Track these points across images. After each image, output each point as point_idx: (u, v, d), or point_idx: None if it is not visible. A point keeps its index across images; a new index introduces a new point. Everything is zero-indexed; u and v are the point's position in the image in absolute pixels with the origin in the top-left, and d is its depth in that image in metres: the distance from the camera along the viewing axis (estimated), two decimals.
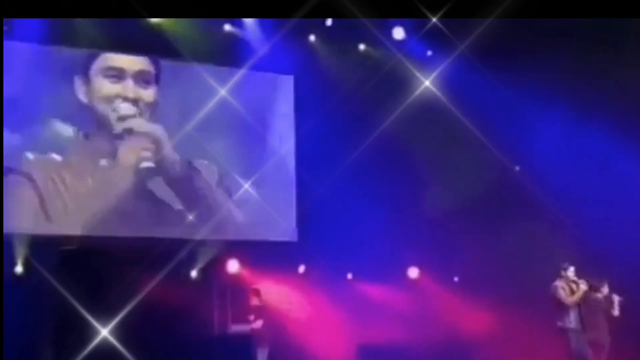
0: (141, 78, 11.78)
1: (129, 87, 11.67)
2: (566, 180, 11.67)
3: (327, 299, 12.52)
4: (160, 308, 10.81)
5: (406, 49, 12.76)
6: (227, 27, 12.24)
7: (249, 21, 12.24)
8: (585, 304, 10.40)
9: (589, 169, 11.68)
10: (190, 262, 11.87)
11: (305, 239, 12.56)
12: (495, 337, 11.99)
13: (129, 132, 11.64)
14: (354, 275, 12.92)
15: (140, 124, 11.71)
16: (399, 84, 12.45)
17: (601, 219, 11.37)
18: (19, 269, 10.66)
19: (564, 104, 11.75)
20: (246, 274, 12.21)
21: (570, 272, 10.45)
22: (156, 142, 11.78)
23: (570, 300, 10.33)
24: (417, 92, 12.38)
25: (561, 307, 10.34)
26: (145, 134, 11.75)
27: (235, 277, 12.17)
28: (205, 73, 12.02)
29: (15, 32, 10.64)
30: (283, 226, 12.59)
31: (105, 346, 10.36)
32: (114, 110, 11.52)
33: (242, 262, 12.19)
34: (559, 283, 10.40)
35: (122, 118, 11.57)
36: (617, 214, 11.35)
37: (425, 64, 12.70)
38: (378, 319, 12.45)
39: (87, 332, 10.58)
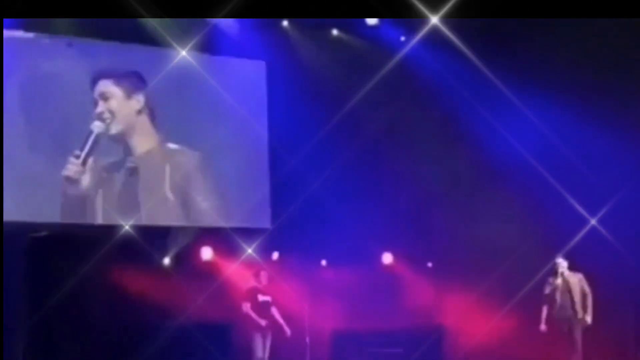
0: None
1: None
2: (541, 170, 11.67)
3: (301, 286, 12.52)
4: (132, 295, 10.78)
5: (379, 34, 12.71)
6: None
7: None
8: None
9: (564, 159, 11.67)
10: (163, 249, 11.83)
11: (279, 225, 12.51)
12: (469, 321, 12.05)
13: None
14: (328, 262, 12.90)
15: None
16: (373, 69, 12.38)
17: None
18: None
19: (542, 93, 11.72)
20: (219, 261, 12.17)
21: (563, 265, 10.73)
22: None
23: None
24: (390, 76, 12.32)
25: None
26: None
27: (208, 265, 12.12)
28: (176, 58, 11.96)
29: None
30: (257, 213, 12.53)
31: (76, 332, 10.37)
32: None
33: (216, 249, 12.14)
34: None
35: None
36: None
37: (399, 49, 12.64)
38: (352, 304, 12.48)
39: (58, 321, 10.59)
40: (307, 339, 12.39)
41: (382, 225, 12.63)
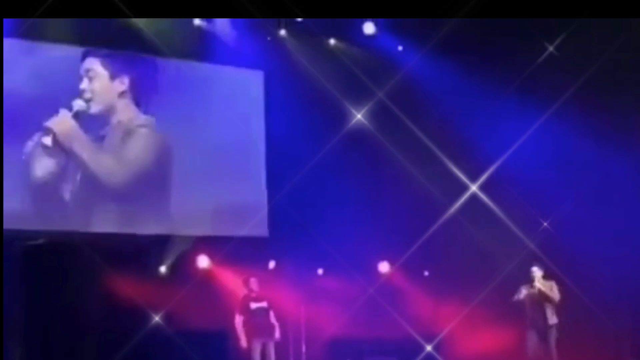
0: None
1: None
2: (538, 178, 11.72)
3: (298, 294, 12.53)
4: (128, 304, 10.77)
5: (377, 43, 12.78)
6: (196, 21, 12.16)
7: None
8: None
9: (564, 167, 11.71)
10: (159, 258, 11.83)
11: (276, 234, 12.53)
12: (465, 330, 12.05)
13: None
14: (324, 271, 12.91)
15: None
16: (370, 79, 12.44)
17: (574, 219, 11.45)
18: None
19: (538, 101, 11.77)
20: (216, 269, 12.17)
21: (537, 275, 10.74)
22: None
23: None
24: (389, 87, 12.42)
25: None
26: None
27: (205, 273, 12.11)
28: (173, 67, 12.01)
29: None
30: (254, 221, 12.54)
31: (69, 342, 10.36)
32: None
33: (212, 257, 12.14)
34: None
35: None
36: (592, 213, 11.42)
37: (397, 59, 12.72)
38: (348, 313, 12.47)
39: (54, 330, 10.58)
40: (304, 348, 12.40)
41: (379, 234, 12.65)
